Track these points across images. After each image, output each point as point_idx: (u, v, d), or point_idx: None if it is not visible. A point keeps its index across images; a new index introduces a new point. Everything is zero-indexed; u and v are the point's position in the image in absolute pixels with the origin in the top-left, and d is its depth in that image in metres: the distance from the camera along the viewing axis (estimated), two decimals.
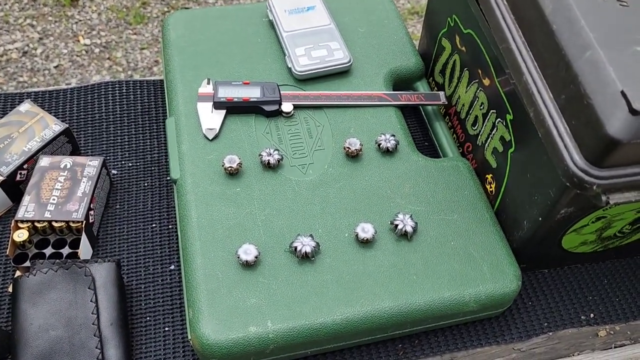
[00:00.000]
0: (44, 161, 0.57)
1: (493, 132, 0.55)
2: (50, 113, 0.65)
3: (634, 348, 0.54)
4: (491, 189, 0.56)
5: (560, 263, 0.58)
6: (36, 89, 0.68)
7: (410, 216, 0.52)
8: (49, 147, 0.59)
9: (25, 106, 0.61)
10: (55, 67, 2.05)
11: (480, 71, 0.56)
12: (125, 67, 2.01)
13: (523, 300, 0.56)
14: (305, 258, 0.50)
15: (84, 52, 2.07)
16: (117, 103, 0.67)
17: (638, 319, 0.56)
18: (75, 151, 0.62)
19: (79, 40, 2.05)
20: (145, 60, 2.07)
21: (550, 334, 0.55)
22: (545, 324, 0.55)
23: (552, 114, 0.42)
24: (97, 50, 2.13)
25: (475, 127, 0.58)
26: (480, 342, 0.53)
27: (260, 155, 0.56)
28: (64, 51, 2.09)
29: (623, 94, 0.38)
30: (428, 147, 0.66)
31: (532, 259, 0.55)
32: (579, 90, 0.40)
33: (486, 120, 0.56)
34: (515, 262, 0.52)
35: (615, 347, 0.54)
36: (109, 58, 2.13)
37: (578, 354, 0.53)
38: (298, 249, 0.50)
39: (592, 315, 0.56)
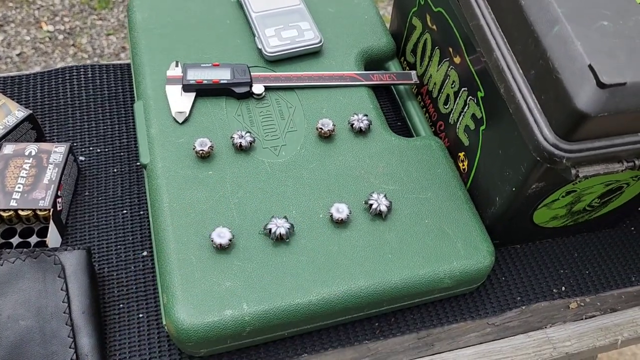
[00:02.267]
0: (8, 149, 0.55)
1: (465, 109, 0.55)
2: (13, 99, 0.63)
3: (603, 318, 0.56)
4: (464, 167, 0.57)
5: (532, 238, 0.59)
6: None
7: (385, 195, 0.52)
8: (13, 134, 0.57)
9: None
10: (18, 54, 1.99)
11: (451, 49, 0.56)
12: (91, 53, 1.96)
13: (496, 275, 0.57)
14: (280, 240, 0.49)
15: (47, 39, 2.01)
16: (83, 88, 0.66)
17: (607, 290, 0.57)
18: (40, 138, 0.60)
19: (41, 27, 1.99)
20: (112, 47, 2.02)
21: (523, 307, 0.55)
22: (519, 298, 0.56)
23: (522, 89, 0.43)
24: (60, 36, 2.07)
25: (447, 106, 0.58)
26: (455, 318, 0.54)
27: (232, 137, 0.55)
28: (27, 38, 2.03)
29: (590, 67, 0.38)
30: (401, 126, 0.66)
31: (505, 235, 0.56)
32: (548, 65, 0.40)
33: (457, 98, 0.56)
34: (489, 239, 0.53)
35: (585, 318, 0.56)
36: (73, 45, 2.08)
37: (550, 326, 0.55)
38: (272, 230, 0.49)
39: (563, 288, 0.57)
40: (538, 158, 0.41)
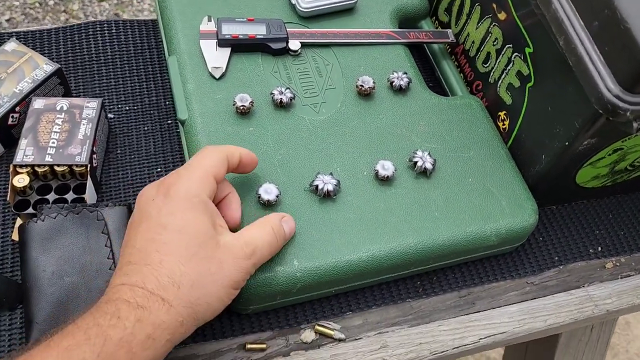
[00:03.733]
0: (38, 103, 0.53)
1: (508, 67, 0.54)
2: None
3: (638, 278, 0.56)
4: (504, 126, 0.56)
5: (569, 199, 0.58)
6: (17, 29, 0.63)
7: (429, 153, 0.52)
8: (41, 88, 0.55)
9: (11, 45, 0.56)
10: (7, 20, 1.93)
11: (494, 5, 0.54)
12: (83, 20, 1.91)
13: (534, 235, 0.57)
14: (327, 197, 0.49)
15: (37, 4, 1.95)
16: (108, 44, 0.63)
17: None
18: (67, 94, 0.58)
19: None
20: (105, 13, 1.97)
21: (561, 267, 0.56)
22: (556, 257, 0.56)
23: (583, 41, 0.42)
24: (51, 2, 2.01)
25: (487, 65, 0.57)
26: (495, 277, 0.54)
27: (272, 94, 0.54)
28: (15, 3, 1.97)
29: None
30: (433, 87, 0.65)
31: (545, 195, 0.55)
32: (615, 15, 0.39)
33: (500, 55, 0.55)
34: (532, 198, 0.52)
35: (621, 278, 0.56)
36: (64, 11, 2.02)
37: (588, 285, 0.55)
38: (319, 187, 0.48)
39: (599, 248, 0.57)
40: (600, 110, 0.41)
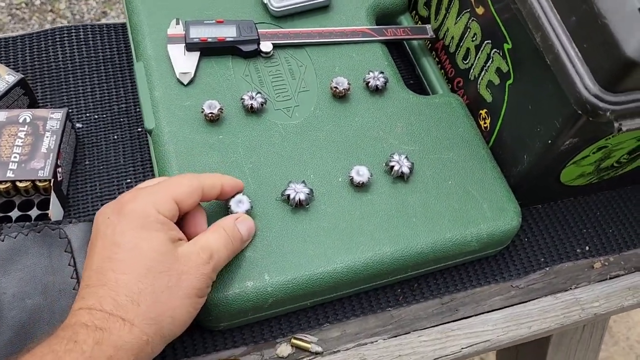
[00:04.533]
0: (0, 116, 0.51)
1: (488, 64, 0.52)
2: (1, 63, 0.58)
3: (627, 278, 0.54)
4: (485, 125, 0.54)
5: (555, 197, 0.57)
6: None
7: (406, 156, 0.50)
8: (4, 100, 0.53)
9: None
10: None
11: (472, 0, 0.52)
12: (70, 19, 1.88)
13: (519, 237, 0.55)
14: (299, 206, 0.47)
15: (23, 4, 1.92)
16: (76, 50, 0.61)
17: (631, 248, 0.56)
18: (33, 105, 0.56)
19: None
20: (92, 12, 1.94)
21: (547, 269, 0.54)
22: (542, 259, 0.54)
23: (560, 37, 0.40)
24: (37, 2, 1.98)
25: (467, 61, 0.55)
26: (479, 282, 0.52)
27: (242, 99, 0.51)
28: (2, 4, 1.94)
29: None
30: (414, 85, 0.63)
31: (528, 195, 0.54)
32: (593, 10, 0.37)
33: (479, 52, 0.53)
34: (514, 199, 0.50)
35: (610, 278, 0.54)
36: (51, 10, 1.99)
37: (576, 287, 0.53)
38: (291, 196, 0.46)
39: (587, 247, 0.55)
40: (579, 111, 0.39)
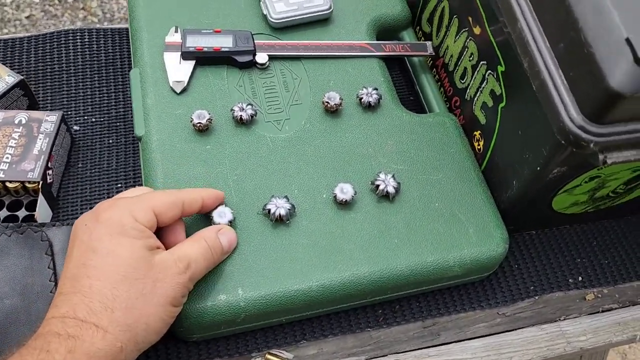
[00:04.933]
0: None
1: (483, 85, 0.51)
2: (5, 65, 0.60)
3: (621, 312, 0.53)
4: (479, 147, 0.53)
5: (548, 224, 0.55)
6: None
7: (393, 176, 0.49)
8: (2, 101, 0.54)
9: None
10: (27, 17, 1.96)
11: (470, 18, 0.51)
12: (101, 17, 1.92)
13: (509, 262, 0.54)
14: (280, 221, 0.46)
15: (56, 1, 1.97)
16: (79, 53, 0.62)
17: (627, 281, 0.54)
18: (33, 106, 0.57)
19: None
20: (122, 11, 1.97)
21: (537, 297, 0.52)
22: (532, 287, 0.53)
23: (548, 64, 0.39)
24: None
25: (464, 80, 0.54)
26: (463, 307, 0.51)
27: (232, 110, 0.51)
28: (36, 0, 1.99)
29: (628, 41, 0.34)
30: (413, 101, 0.62)
31: (520, 220, 0.52)
32: (579, 38, 0.36)
33: (476, 72, 0.52)
34: (503, 224, 0.49)
35: (602, 311, 0.52)
36: (83, 8, 2.03)
37: (565, 319, 0.51)
38: (272, 211, 0.46)
39: (580, 278, 0.54)
40: (563, 141, 0.38)
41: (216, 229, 0.44)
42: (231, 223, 0.46)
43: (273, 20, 0.57)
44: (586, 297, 0.53)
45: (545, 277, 0.53)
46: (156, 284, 0.38)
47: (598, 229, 0.56)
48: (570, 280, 0.54)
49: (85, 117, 0.59)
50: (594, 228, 0.56)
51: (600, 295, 0.53)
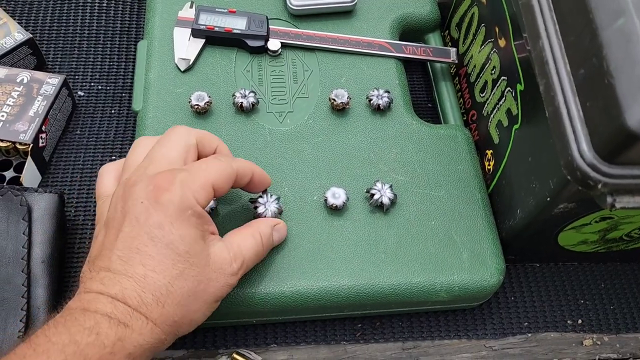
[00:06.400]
0: (1, 72, 0.52)
1: (501, 102, 0.47)
2: (20, 22, 0.59)
3: None
4: (489, 167, 0.49)
5: (554, 259, 0.51)
6: None
7: (390, 186, 0.46)
8: (9, 57, 0.53)
9: None
10: None
11: (497, 29, 0.48)
12: None
13: (505, 294, 0.50)
14: None
15: None
16: (95, 18, 0.61)
17: (631, 332, 0.50)
18: (40, 66, 0.56)
19: None
20: None
21: (529, 335, 0.49)
22: (526, 323, 0.49)
23: (565, 90, 0.35)
24: None
25: (484, 94, 0.51)
26: (449, 334, 0.48)
27: (233, 95, 0.49)
28: None
29: None
30: (431, 109, 0.59)
31: (523, 251, 0.49)
32: (601, 66, 0.32)
33: (495, 87, 0.48)
34: (501, 254, 0.46)
35: None
36: None
37: None
38: (259, 211, 0.44)
39: (579, 321, 0.50)
40: (569, 177, 0.34)
41: (272, 224, 0.42)
42: (212, 211, 0.44)
43: (292, 6, 0.54)
44: (584, 342, 0.49)
45: (542, 314, 0.50)
46: (209, 283, 0.37)
47: (608, 271, 0.52)
48: (569, 321, 0.50)
49: (92, 84, 0.57)
50: (604, 269, 0.52)
51: (599, 343, 0.49)
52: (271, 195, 0.44)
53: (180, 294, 0.35)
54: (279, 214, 0.44)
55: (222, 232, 0.40)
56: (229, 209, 0.45)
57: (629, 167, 0.33)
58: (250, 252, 0.39)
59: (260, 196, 0.44)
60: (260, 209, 0.43)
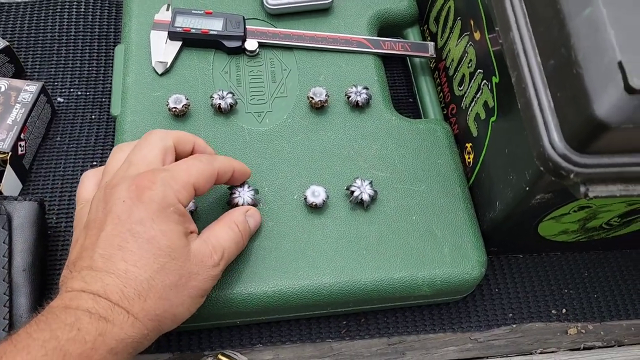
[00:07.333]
0: None
1: (478, 95, 0.47)
2: None
3: (603, 352, 0.49)
4: (469, 160, 0.50)
5: (537, 250, 0.52)
6: None
7: (370, 183, 0.46)
8: None
9: None
10: None
11: (472, 22, 0.48)
12: None
13: (489, 285, 0.51)
14: None
15: None
16: (73, 23, 0.61)
17: (615, 319, 0.50)
18: (19, 73, 0.56)
19: None
20: None
21: (514, 326, 0.49)
22: (510, 314, 0.50)
23: (536, 82, 0.35)
24: None
25: (462, 88, 0.51)
26: (433, 328, 0.48)
27: (211, 97, 0.49)
28: None
29: (620, 65, 0.30)
30: (412, 104, 0.59)
31: (505, 243, 0.49)
32: (570, 55, 0.32)
33: (472, 80, 0.48)
34: (482, 247, 0.46)
35: (583, 349, 0.49)
36: None
37: (540, 352, 0.48)
38: (236, 202, 0.44)
39: (564, 310, 0.50)
40: (541, 168, 0.34)
41: (244, 211, 0.42)
42: (193, 212, 0.44)
43: (269, 5, 0.54)
44: (568, 331, 0.50)
45: (527, 305, 0.50)
46: (191, 277, 0.37)
47: (591, 260, 0.53)
48: (553, 311, 0.50)
49: (71, 90, 0.57)
50: (586, 258, 0.53)
51: (584, 331, 0.50)
52: (249, 187, 0.44)
53: (162, 287, 0.35)
54: (253, 205, 0.44)
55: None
56: (209, 209, 0.45)
57: (600, 156, 0.33)
58: (229, 242, 0.39)
59: (237, 188, 0.44)
60: (237, 200, 0.44)
